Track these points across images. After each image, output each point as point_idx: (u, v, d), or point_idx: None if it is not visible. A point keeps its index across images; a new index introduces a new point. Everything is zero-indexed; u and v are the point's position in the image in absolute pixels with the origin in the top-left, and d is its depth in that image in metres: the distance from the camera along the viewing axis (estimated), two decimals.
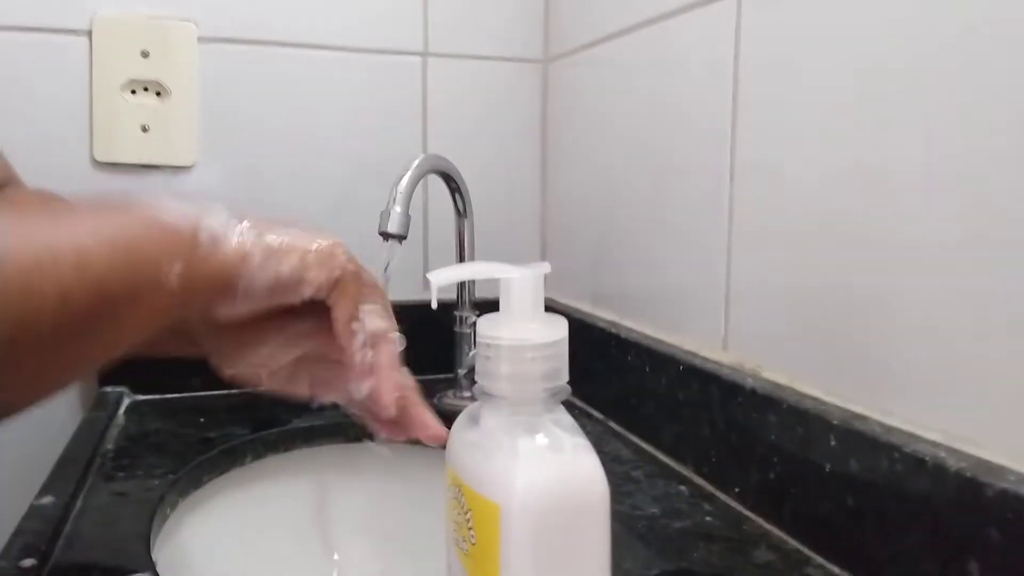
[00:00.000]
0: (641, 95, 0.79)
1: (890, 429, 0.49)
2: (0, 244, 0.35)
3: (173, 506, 0.64)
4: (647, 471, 0.69)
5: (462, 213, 0.86)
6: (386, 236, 0.74)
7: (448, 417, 0.44)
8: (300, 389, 0.52)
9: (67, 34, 0.86)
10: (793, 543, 0.55)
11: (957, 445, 0.45)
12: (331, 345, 0.48)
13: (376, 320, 0.47)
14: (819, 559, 0.53)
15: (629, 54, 0.82)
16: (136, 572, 0.50)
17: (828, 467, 0.52)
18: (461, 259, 0.87)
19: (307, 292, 0.46)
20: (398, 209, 0.74)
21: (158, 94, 0.89)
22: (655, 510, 0.61)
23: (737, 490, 0.61)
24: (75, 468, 0.65)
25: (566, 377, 0.38)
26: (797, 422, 0.55)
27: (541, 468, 0.36)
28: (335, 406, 0.52)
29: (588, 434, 0.38)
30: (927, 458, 0.45)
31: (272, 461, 0.77)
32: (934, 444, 0.46)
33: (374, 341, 0.47)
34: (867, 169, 0.52)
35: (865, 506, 0.49)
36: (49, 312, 0.36)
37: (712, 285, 0.68)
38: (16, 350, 0.35)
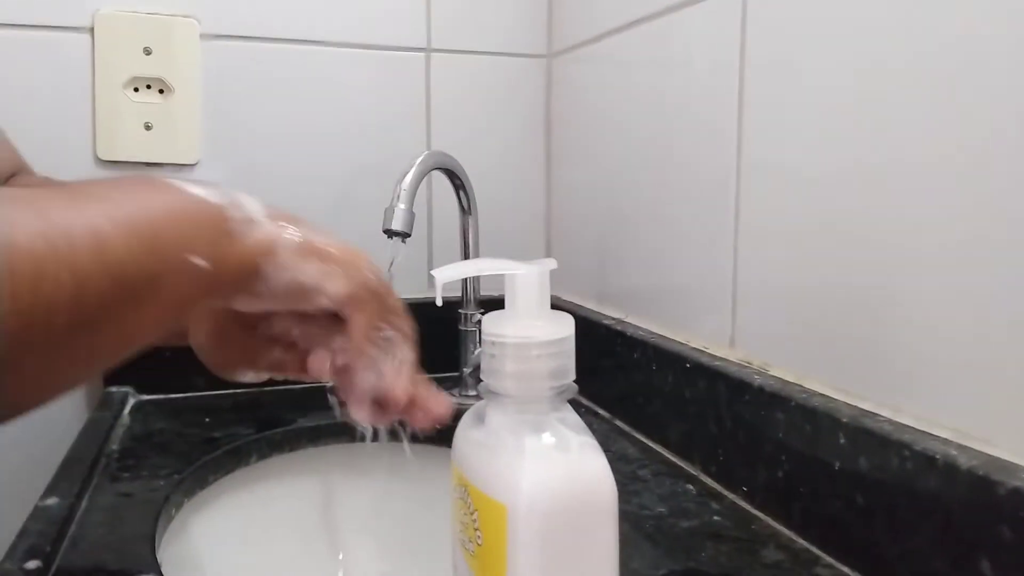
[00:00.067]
0: (646, 90, 0.79)
1: (900, 427, 0.49)
2: (6, 229, 0.31)
3: (178, 506, 0.64)
4: (654, 470, 0.68)
5: (466, 210, 0.86)
6: (390, 234, 0.74)
7: (453, 416, 0.43)
8: (277, 371, 0.49)
9: (69, 31, 0.86)
10: (802, 542, 0.55)
11: (968, 442, 0.45)
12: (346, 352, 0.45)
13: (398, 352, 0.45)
14: (828, 558, 0.52)
15: (633, 49, 0.81)
16: (141, 573, 0.50)
17: (837, 465, 0.52)
18: (466, 256, 0.87)
19: (323, 302, 0.43)
20: (402, 206, 0.74)
21: (161, 91, 0.89)
22: (662, 509, 0.60)
23: (745, 489, 0.61)
24: (80, 469, 0.64)
25: (573, 375, 0.37)
26: (805, 420, 0.54)
27: (548, 468, 0.36)
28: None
29: (594, 432, 0.38)
30: (938, 456, 0.45)
31: (277, 461, 0.76)
32: (945, 441, 0.46)
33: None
34: (873, 167, 0.52)
35: (875, 505, 0.49)
36: (63, 303, 0.32)
37: (719, 282, 0.67)
38: (24, 345, 0.32)
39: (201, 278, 0.38)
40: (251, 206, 0.41)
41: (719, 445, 0.64)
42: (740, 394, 0.61)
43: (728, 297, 0.66)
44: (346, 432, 0.78)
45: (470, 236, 0.86)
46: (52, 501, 0.58)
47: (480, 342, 0.38)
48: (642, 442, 0.75)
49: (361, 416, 0.46)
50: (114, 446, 0.72)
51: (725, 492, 0.63)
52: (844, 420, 0.51)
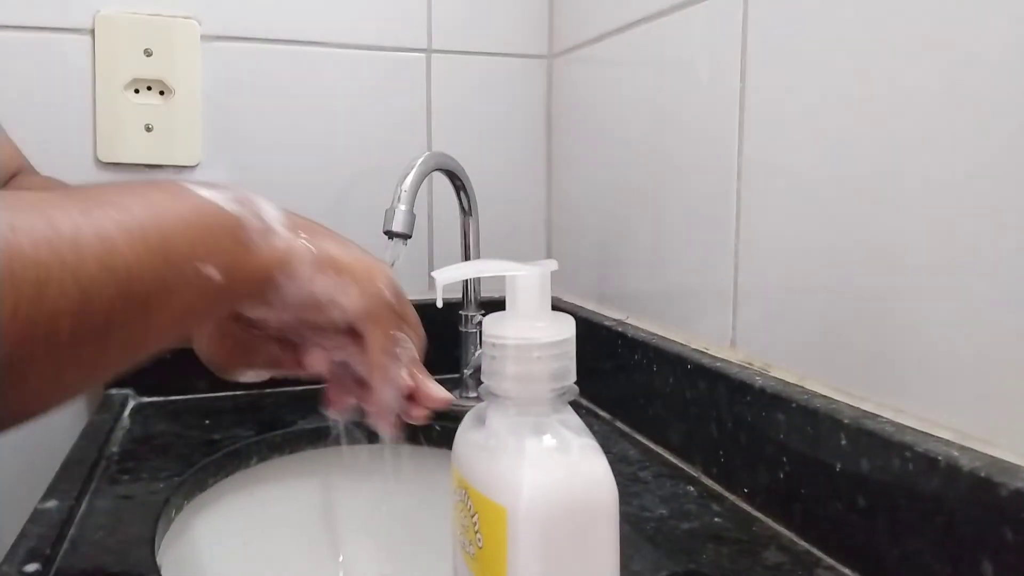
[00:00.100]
0: (647, 91, 0.79)
1: (902, 428, 0.48)
2: (8, 235, 0.29)
3: (178, 509, 0.64)
4: (655, 471, 0.68)
5: (467, 211, 0.85)
6: (391, 235, 0.73)
7: (453, 418, 0.43)
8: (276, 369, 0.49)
9: (69, 33, 0.86)
10: (803, 544, 0.54)
11: (970, 444, 0.45)
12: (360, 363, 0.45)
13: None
14: (830, 560, 0.52)
15: (634, 50, 0.81)
16: None
17: (838, 467, 0.51)
18: (466, 257, 0.87)
19: (337, 315, 0.42)
20: (403, 207, 0.74)
21: (161, 93, 0.89)
22: (663, 511, 0.60)
23: (746, 490, 0.61)
24: (80, 471, 0.64)
25: (573, 377, 0.37)
26: (807, 421, 0.54)
27: (548, 470, 0.35)
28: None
29: (595, 434, 0.37)
30: (939, 457, 0.44)
31: (277, 463, 0.76)
32: (947, 443, 0.46)
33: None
34: (873, 169, 0.52)
35: (876, 506, 0.49)
36: (67, 312, 0.31)
37: (720, 283, 0.67)
38: (25, 354, 0.30)
39: (213, 289, 0.37)
40: (269, 213, 0.40)
41: (720, 446, 0.63)
42: (741, 395, 0.61)
43: (729, 298, 0.66)
44: (346, 434, 0.78)
45: (471, 237, 0.86)
46: (52, 504, 0.58)
47: (481, 344, 0.38)
48: (643, 443, 0.75)
49: (385, 429, 0.46)
50: (114, 448, 0.72)
51: (726, 494, 0.63)
52: (845, 421, 0.51)
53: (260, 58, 0.92)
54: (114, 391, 0.86)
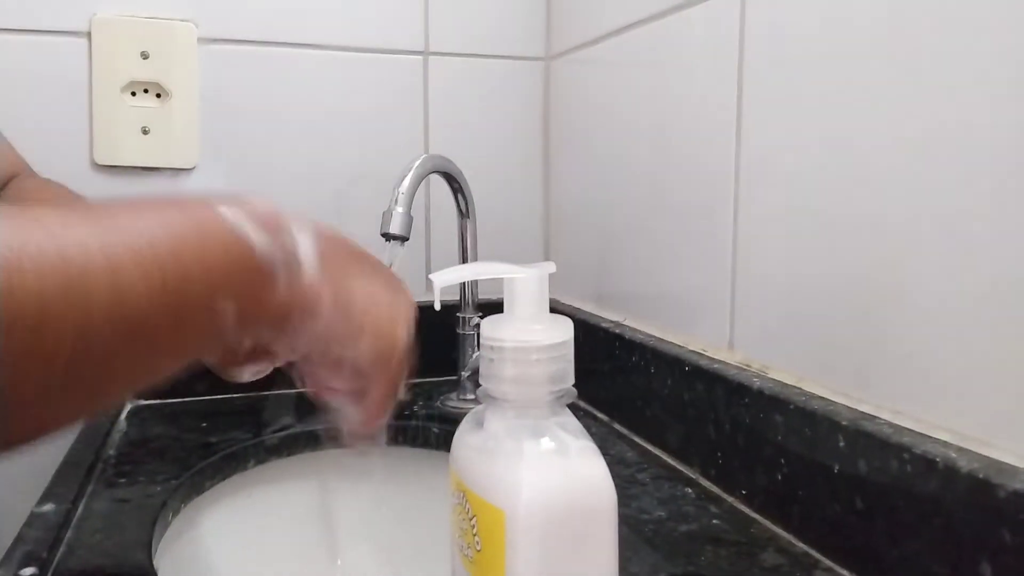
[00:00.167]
0: (644, 92, 0.79)
1: (900, 429, 0.48)
2: (11, 257, 0.28)
3: (175, 512, 0.64)
4: (653, 473, 0.68)
5: (464, 213, 0.85)
6: (388, 237, 0.73)
7: (451, 421, 0.43)
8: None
9: (66, 36, 0.86)
10: (801, 546, 0.54)
11: (968, 445, 0.45)
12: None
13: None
14: (828, 562, 0.52)
15: (632, 51, 0.81)
16: None
17: (837, 468, 0.51)
18: (464, 260, 0.87)
19: (347, 356, 0.41)
20: (400, 210, 0.73)
21: (158, 96, 0.88)
22: (662, 513, 0.60)
23: (744, 492, 0.61)
24: (76, 474, 0.64)
25: (572, 379, 0.37)
26: (805, 423, 0.54)
27: (547, 473, 0.35)
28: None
29: (593, 436, 0.37)
30: (938, 459, 0.44)
31: (275, 466, 0.76)
32: (945, 444, 0.46)
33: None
34: (873, 170, 0.52)
35: (875, 508, 0.49)
36: (68, 344, 0.29)
37: (718, 284, 0.67)
38: (21, 386, 0.29)
39: (227, 325, 0.35)
40: (302, 245, 0.38)
41: (718, 448, 0.63)
42: (739, 397, 0.61)
43: (727, 300, 0.66)
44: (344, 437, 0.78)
45: (468, 239, 0.86)
46: (48, 507, 0.57)
47: (479, 346, 0.38)
48: (641, 445, 0.75)
49: (352, 443, 0.46)
50: (111, 451, 0.72)
51: (724, 495, 0.63)
52: (843, 423, 0.51)
53: (257, 61, 0.92)
54: None
